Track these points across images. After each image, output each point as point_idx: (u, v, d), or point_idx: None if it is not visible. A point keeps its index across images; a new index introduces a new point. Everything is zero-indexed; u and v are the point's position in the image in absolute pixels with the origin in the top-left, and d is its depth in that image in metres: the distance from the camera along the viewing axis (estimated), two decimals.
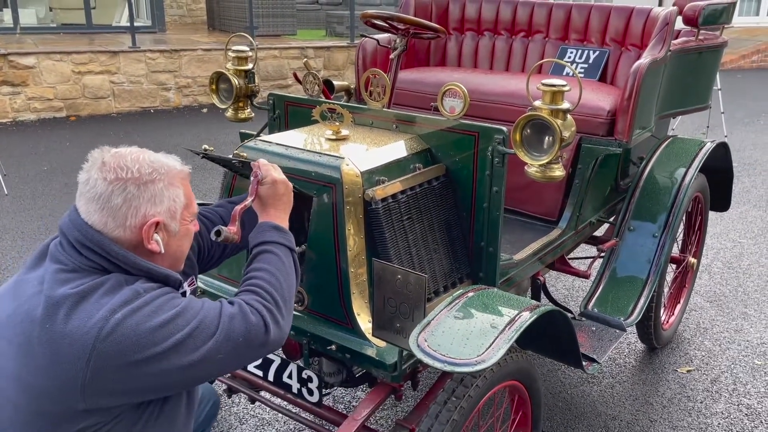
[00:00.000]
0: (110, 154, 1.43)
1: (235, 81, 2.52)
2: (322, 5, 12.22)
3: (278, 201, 1.70)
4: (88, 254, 1.38)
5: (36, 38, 8.63)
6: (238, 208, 1.69)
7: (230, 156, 1.90)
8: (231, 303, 1.47)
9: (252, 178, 1.71)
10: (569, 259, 2.95)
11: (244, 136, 1.95)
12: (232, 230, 1.64)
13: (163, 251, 1.45)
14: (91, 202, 1.39)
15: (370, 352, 1.86)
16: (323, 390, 2.02)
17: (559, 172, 1.96)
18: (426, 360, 1.56)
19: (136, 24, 8.87)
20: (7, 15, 9.10)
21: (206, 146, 1.96)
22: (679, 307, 3.38)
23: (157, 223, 1.42)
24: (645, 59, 2.56)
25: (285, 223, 1.70)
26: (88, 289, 1.34)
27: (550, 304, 2.08)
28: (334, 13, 10.78)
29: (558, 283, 3.96)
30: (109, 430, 1.38)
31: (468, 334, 1.64)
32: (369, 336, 1.88)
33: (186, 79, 8.45)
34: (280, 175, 1.71)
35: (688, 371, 3.12)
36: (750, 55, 12.52)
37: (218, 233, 1.61)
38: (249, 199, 1.70)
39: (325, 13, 11.25)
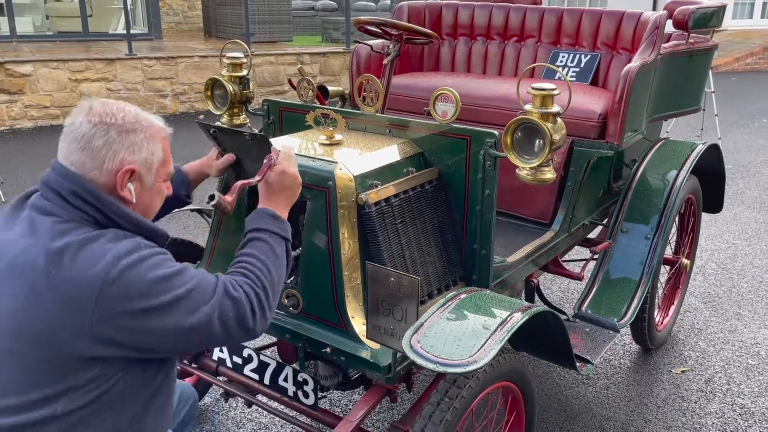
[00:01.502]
0: (98, 101, 1.49)
1: (229, 87, 2.55)
2: (318, 11, 12.27)
3: (282, 191, 1.73)
4: (81, 205, 1.41)
5: (33, 46, 8.66)
6: (241, 182, 1.73)
7: (243, 130, 1.90)
8: (225, 279, 1.51)
9: (265, 160, 1.73)
10: (563, 261, 2.98)
11: (203, 126, 1.98)
12: (227, 199, 1.67)
13: (134, 201, 1.48)
14: (73, 142, 1.44)
15: (365, 354, 1.88)
16: (319, 393, 2.04)
17: (550, 174, 1.98)
18: (418, 361, 1.58)
19: (132, 31, 8.90)
20: (3, 23, 9.13)
21: (219, 123, 1.99)
22: (673, 308, 3.40)
23: (133, 172, 1.46)
24: (635, 63, 2.59)
25: (284, 213, 1.72)
26: (90, 237, 1.38)
27: (543, 305, 2.10)
28: (329, 19, 10.83)
29: (553, 286, 3.98)
30: (108, 390, 1.40)
31: (460, 335, 1.66)
32: (363, 338, 1.90)
33: (182, 86, 8.48)
34: (292, 168, 1.74)
35: (683, 372, 3.14)
36: (744, 58, 12.59)
37: (212, 197, 1.65)
38: (256, 178, 1.72)
39: (321, 20, 11.29)
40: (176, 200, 2.02)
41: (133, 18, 10.37)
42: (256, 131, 1.83)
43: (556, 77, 3.05)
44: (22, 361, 1.38)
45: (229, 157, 2.04)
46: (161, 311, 1.37)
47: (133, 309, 1.34)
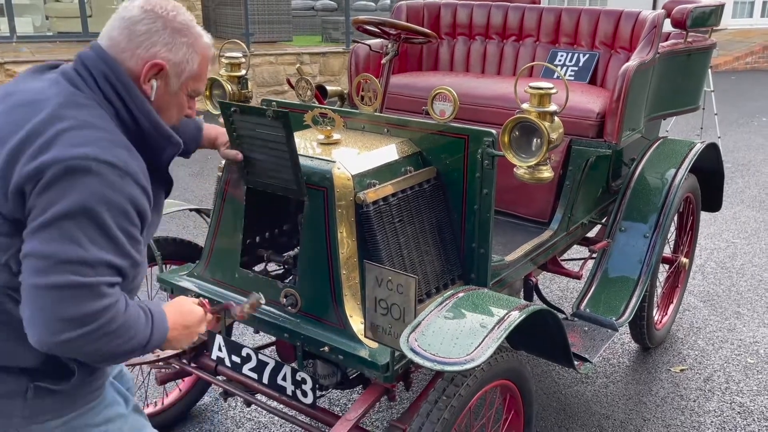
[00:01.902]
0: None
1: (228, 87, 2.55)
2: (318, 11, 12.27)
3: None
4: (108, 90, 1.39)
5: (32, 47, 8.66)
6: (227, 305, 1.80)
7: (264, 107, 1.88)
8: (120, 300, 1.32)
9: (248, 301, 1.79)
10: (562, 260, 2.98)
11: (224, 106, 1.95)
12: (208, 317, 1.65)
13: (152, 98, 1.45)
14: (119, 21, 1.43)
15: (363, 353, 1.89)
16: (318, 392, 2.04)
17: (547, 173, 1.99)
18: (416, 359, 1.58)
19: None
20: (3, 24, 9.13)
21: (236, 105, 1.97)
22: (672, 307, 3.40)
23: (161, 68, 1.43)
24: (633, 62, 2.59)
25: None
26: (98, 126, 1.33)
27: (541, 304, 2.10)
28: (329, 19, 10.83)
29: (552, 285, 3.98)
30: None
31: (458, 333, 1.66)
32: (361, 337, 1.90)
33: None
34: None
35: (682, 370, 3.15)
36: (744, 57, 12.59)
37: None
38: (237, 313, 1.79)
39: (321, 19, 11.29)
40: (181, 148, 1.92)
41: None
42: (276, 109, 1.81)
43: (554, 76, 3.06)
44: None
45: (237, 155, 2.01)
46: (74, 222, 1.24)
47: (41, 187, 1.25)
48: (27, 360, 1.37)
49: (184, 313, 1.54)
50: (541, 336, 2.10)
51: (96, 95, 1.39)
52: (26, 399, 1.37)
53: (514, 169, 2.00)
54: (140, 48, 1.41)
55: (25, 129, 1.30)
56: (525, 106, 1.95)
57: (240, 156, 2.00)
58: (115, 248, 1.30)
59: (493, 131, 2.04)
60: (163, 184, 1.58)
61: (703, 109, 6.61)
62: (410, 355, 1.60)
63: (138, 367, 2.71)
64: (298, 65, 2.78)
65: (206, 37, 1.52)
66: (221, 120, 2.64)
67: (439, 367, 1.56)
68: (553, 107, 1.93)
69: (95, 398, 1.48)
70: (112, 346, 1.31)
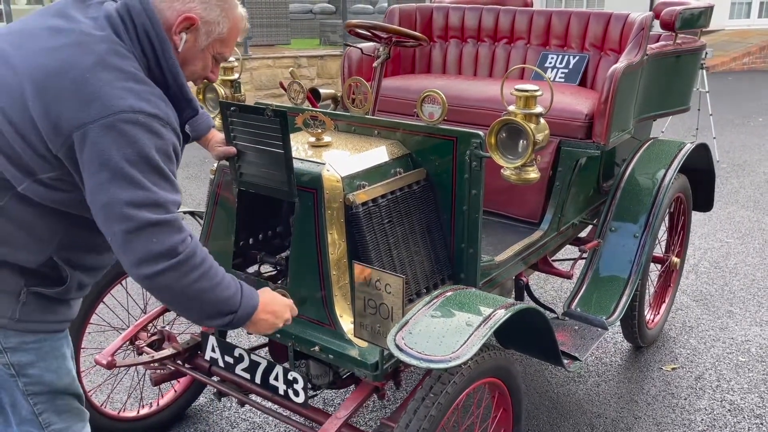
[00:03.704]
0: None
1: (221, 91, 2.58)
2: (315, 14, 12.32)
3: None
4: (146, 47, 1.49)
5: None
6: None
7: (263, 105, 1.92)
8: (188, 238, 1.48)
9: None
10: (553, 260, 3.01)
11: (224, 105, 1.99)
12: None
13: (180, 50, 1.55)
14: None
15: (353, 352, 1.92)
16: (311, 392, 2.07)
17: (534, 174, 2.02)
18: (402, 357, 1.61)
19: None
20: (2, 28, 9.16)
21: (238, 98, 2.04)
22: (664, 306, 3.43)
23: (193, 23, 1.54)
24: (621, 64, 2.62)
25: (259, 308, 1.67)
26: (140, 78, 1.45)
27: (529, 303, 2.13)
28: (327, 22, 10.88)
29: (546, 285, 4.01)
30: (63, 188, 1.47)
31: (444, 332, 1.69)
32: (351, 337, 1.93)
33: None
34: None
35: (673, 369, 3.17)
36: (740, 58, 12.62)
37: None
38: None
39: (318, 22, 11.35)
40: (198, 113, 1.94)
41: None
42: (275, 108, 1.86)
43: (541, 78, 3.09)
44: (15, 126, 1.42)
45: (230, 150, 2.05)
46: (120, 174, 1.38)
47: (108, 153, 1.37)
48: (29, 261, 1.50)
49: (274, 298, 1.72)
50: (530, 335, 2.13)
51: (135, 48, 1.49)
52: (18, 301, 1.51)
53: (501, 170, 2.03)
54: (178, 1, 1.53)
55: (73, 73, 1.39)
56: (511, 108, 1.98)
57: (233, 150, 2.04)
58: (173, 187, 1.47)
59: (481, 133, 2.07)
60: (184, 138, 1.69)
61: (699, 109, 6.64)
62: (396, 353, 1.63)
63: (133, 368, 2.74)
64: (291, 69, 2.82)
65: (240, 9, 1.65)
66: (218, 120, 2.69)
67: (424, 365, 1.59)
68: (538, 109, 1.97)
69: (63, 329, 1.63)
70: (203, 285, 1.48)
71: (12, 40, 1.48)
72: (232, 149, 2.04)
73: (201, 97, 2.66)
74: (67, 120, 1.38)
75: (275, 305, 1.70)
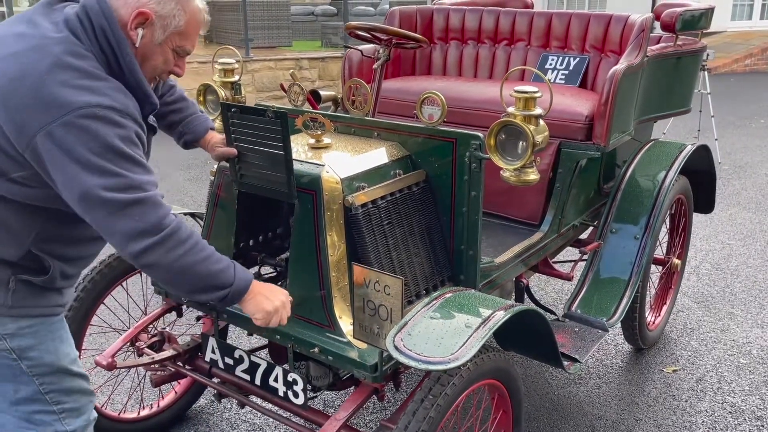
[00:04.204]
0: None
1: (221, 92, 2.59)
2: (317, 16, 12.34)
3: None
4: (104, 42, 1.54)
5: None
6: None
7: (263, 107, 1.93)
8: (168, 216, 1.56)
9: None
10: (554, 262, 3.01)
11: (225, 106, 2.00)
12: None
13: (137, 45, 1.58)
14: None
15: (352, 354, 1.92)
16: (311, 393, 2.07)
17: (533, 176, 2.02)
18: (401, 359, 1.61)
19: None
20: None
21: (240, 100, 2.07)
22: (665, 308, 3.42)
23: (147, 18, 1.56)
24: (621, 65, 2.62)
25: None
26: (96, 75, 1.49)
27: (528, 304, 2.13)
28: (329, 24, 10.89)
29: (547, 287, 4.01)
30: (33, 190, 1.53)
31: (443, 333, 1.69)
32: (351, 338, 1.93)
33: None
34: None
35: (674, 371, 3.17)
36: (743, 59, 12.61)
37: None
38: None
39: (320, 24, 11.36)
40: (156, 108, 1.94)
41: None
42: (276, 109, 1.87)
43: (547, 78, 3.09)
44: None
45: (231, 150, 2.05)
46: (86, 168, 1.44)
47: (68, 149, 1.43)
48: (10, 254, 1.57)
49: (269, 286, 1.81)
50: (530, 336, 2.13)
51: (93, 47, 1.54)
52: (8, 289, 1.57)
53: (501, 172, 2.03)
54: None
55: (31, 76, 1.44)
56: (511, 109, 1.98)
57: (234, 151, 2.04)
58: (144, 169, 1.53)
59: (481, 135, 2.07)
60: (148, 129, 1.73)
61: (700, 111, 6.64)
62: (395, 354, 1.63)
63: (134, 369, 2.74)
64: (291, 71, 2.82)
65: (200, 3, 1.67)
66: (218, 122, 2.69)
67: (423, 366, 1.59)
68: (538, 110, 1.97)
69: (58, 312, 1.69)
70: (192, 259, 1.57)
71: None
72: (233, 150, 2.04)
73: (201, 99, 2.66)
74: (29, 123, 1.43)
75: (269, 288, 1.80)
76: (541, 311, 2.14)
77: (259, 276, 2.33)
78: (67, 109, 1.42)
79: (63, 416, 1.70)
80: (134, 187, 1.49)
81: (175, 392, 2.77)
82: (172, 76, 1.80)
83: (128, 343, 2.39)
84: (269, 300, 1.78)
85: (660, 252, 3.31)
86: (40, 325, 1.64)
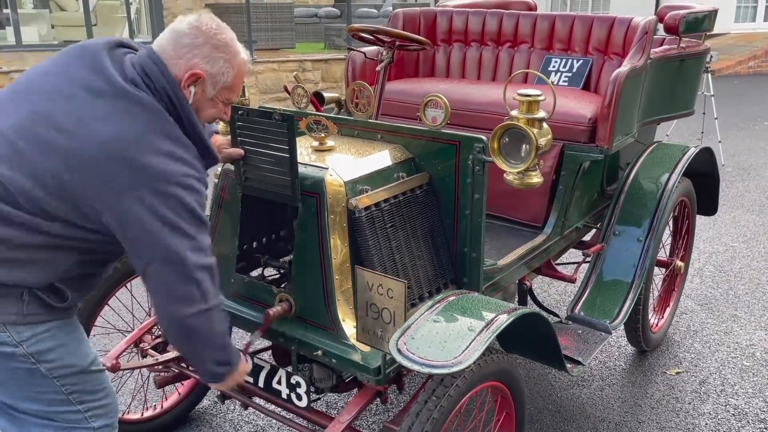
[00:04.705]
0: (210, 16, 1.70)
1: None
2: (320, 18, 12.34)
3: None
4: (168, 105, 1.62)
5: (38, 55, 8.73)
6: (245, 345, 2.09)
7: (270, 109, 1.95)
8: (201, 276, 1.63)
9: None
10: (557, 264, 3.01)
11: (232, 109, 2.00)
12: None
13: (191, 102, 1.66)
14: (170, 32, 1.67)
15: (355, 356, 1.92)
16: (314, 395, 2.07)
17: (536, 179, 2.02)
18: (404, 363, 1.62)
19: (136, 39, 8.97)
20: (9, 34, 9.21)
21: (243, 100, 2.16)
22: (668, 310, 3.42)
23: (199, 77, 1.64)
24: (624, 68, 2.62)
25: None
26: (182, 142, 1.59)
27: (531, 307, 2.13)
28: (332, 26, 10.89)
29: (551, 289, 4.01)
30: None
31: (446, 337, 1.69)
32: (354, 341, 1.93)
33: None
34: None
35: (677, 373, 3.16)
36: (746, 61, 12.60)
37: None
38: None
39: (323, 26, 11.36)
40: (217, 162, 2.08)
41: (138, 26, 10.45)
42: (283, 112, 1.90)
43: (550, 81, 3.09)
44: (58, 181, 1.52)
45: (238, 151, 2.06)
46: (160, 223, 1.53)
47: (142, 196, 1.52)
48: (30, 282, 1.59)
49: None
50: (533, 339, 2.13)
51: (160, 102, 1.61)
52: (23, 300, 1.59)
53: (504, 175, 2.03)
54: (182, 58, 1.64)
55: (123, 141, 1.52)
56: (514, 113, 1.99)
57: (241, 152, 2.05)
58: (207, 232, 1.65)
59: (484, 137, 2.07)
60: None
61: (704, 113, 6.63)
62: (399, 358, 1.63)
63: (138, 370, 2.75)
64: (295, 73, 2.82)
65: (243, 54, 1.73)
66: (221, 125, 2.69)
67: (426, 370, 1.60)
68: (541, 114, 1.97)
69: (70, 315, 1.72)
70: (221, 329, 1.71)
71: (52, 99, 1.55)
72: (240, 151, 2.04)
73: None
74: (118, 184, 1.50)
75: (241, 370, 1.89)
76: (544, 314, 2.14)
77: (262, 278, 2.33)
78: (162, 177, 1.51)
79: (89, 414, 1.73)
80: (203, 249, 1.60)
81: (179, 393, 2.78)
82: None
83: (132, 345, 2.40)
84: (239, 373, 1.89)
85: (663, 254, 3.31)
86: (56, 329, 1.65)
